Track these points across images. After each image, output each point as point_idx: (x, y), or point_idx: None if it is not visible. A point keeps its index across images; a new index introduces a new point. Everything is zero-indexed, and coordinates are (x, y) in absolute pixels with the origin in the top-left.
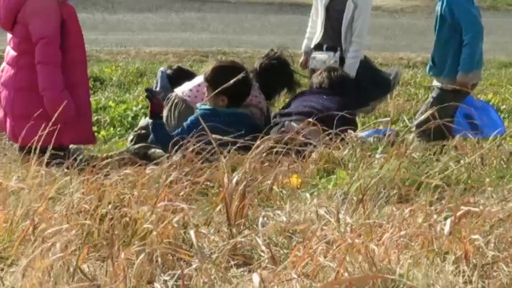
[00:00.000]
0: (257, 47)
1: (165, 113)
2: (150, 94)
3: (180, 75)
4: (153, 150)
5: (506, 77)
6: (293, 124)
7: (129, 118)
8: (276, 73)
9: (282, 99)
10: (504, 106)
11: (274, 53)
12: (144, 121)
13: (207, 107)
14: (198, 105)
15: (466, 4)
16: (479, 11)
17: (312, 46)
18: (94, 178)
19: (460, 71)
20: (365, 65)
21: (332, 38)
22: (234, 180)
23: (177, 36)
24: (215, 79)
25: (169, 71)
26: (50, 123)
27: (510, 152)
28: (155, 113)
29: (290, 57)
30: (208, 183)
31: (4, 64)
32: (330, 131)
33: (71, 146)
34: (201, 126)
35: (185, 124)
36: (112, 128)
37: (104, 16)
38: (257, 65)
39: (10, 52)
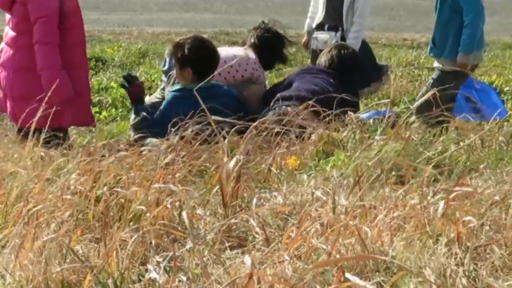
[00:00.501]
0: None
1: (166, 91)
2: (127, 80)
3: None
4: (149, 140)
5: (510, 58)
6: (289, 109)
7: None
8: (273, 45)
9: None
10: (507, 88)
11: (265, 25)
12: (148, 99)
13: (177, 87)
14: (168, 88)
15: None
16: None
17: (314, 26)
18: (90, 159)
19: (460, 52)
20: (365, 46)
21: (334, 18)
22: (232, 162)
23: (180, 16)
24: (177, 53)
25: None
26: (45, 103)
27: (511, 134)
28: (137, 99)
29: (282, 28)
30: (207, 164)
31: (3, 44)
32: (329, 112)
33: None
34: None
35: (161, 108)
36: (114, 109)
37: None
38: (253, 38)
39: (9, 33)
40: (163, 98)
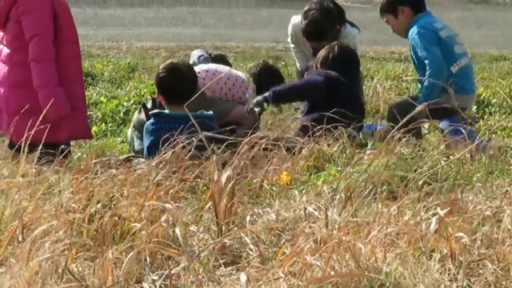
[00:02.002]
0: (249, 41)
1: None
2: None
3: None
4: (136, 160)
5: (497, 71)
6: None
7: (121, 114)
8: (271, 76)
9: None
10: (494, 100)
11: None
12: (137, 116)
13: (155, 111)
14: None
15: (425, 43)
16: (453, 38)
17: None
18: (83, 177)
19: (418, 101)
20: None
21: None
22: (223, 177)
23: (169, 31)
24: (156, 79)
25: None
26: (42, 120)
27: (499, 147)
28: None
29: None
30: (198, 180)
31: None
32: (319, 127)
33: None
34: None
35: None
36: (103, 124)
37: (95, 11)
38: (254, 70)
39: (3, 50)
40: None
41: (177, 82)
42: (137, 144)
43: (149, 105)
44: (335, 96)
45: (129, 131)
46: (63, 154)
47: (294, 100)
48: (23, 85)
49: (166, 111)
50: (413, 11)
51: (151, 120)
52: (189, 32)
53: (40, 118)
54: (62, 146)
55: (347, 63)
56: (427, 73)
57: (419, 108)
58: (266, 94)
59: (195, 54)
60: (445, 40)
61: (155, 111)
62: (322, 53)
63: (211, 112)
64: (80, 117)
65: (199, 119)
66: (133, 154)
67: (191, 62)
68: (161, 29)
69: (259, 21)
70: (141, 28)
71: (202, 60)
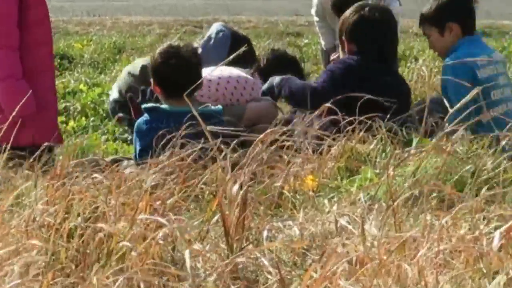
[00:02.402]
0: (263, 14)
1: None
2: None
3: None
4: (126, 162)
5: None
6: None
7: (105, 105)
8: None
9: None
10: None
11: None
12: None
13: (149, 105)
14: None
15: (454, 85)
16: (495, 78)
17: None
18: (60, 183)
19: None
20: None
21: None
22: (234, 184)
23: (163, 2)
24: (151, 67)
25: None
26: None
27: None
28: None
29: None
30: (203, 186)
31: None
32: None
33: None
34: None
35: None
36: (83, 118)
37: None
38: (262, 62)
39: None
40: None
41: (178, 70)
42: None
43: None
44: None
45: (112, 98)
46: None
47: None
48: None
49: (164, 106)
50: (463, 31)
51: (145, 117)
52: (189, 3)
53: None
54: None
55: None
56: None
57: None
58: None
59: (213, 29)
60: (483, 81)
61: (150, 105)
62: (347, 17)
63: (219, 107)
64: (48, 117)
65: (206, 116)
66: (121, 156)
67: (206, 37)
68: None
69: None
70: None
71: (220, 37)
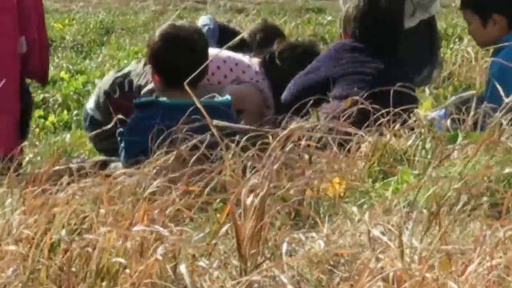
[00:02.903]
0: None
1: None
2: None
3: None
4: (113, 165)
5: None
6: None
7: (90, 96)
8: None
9: None
10: None
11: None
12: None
13: (144, 100)
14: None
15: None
16: None
17: None
18: (40, 189)
19: None
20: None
21: None
22: (248, 190)
23: None
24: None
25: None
26: None
27: None
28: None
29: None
30: (210, 192)
31: None
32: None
33: None
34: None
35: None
36: (65, 112)
37: None
38: (267, 55)
39: None
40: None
41: (181, 55)
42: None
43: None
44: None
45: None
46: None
47: None
48: None
49: (163, 99)
50: (509, 25)
51: (139, 113)
52: None
53: None
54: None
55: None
56: None
57: None
58: None
59: (199, 23)
60: None
61: (145, 99)
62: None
63: (228, 97)
64: (7, 123)
65: (212, 108)
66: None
67: None
68: None
69: None
70: None
71: (206, 32)
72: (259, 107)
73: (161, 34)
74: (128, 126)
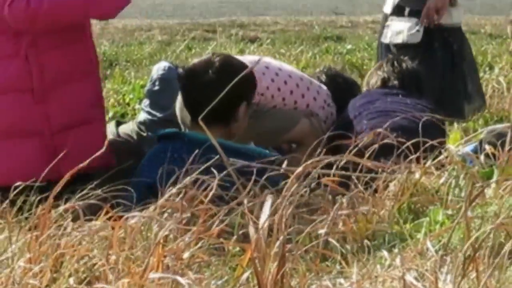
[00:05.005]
0: (294, 13)
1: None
2: None
3: None
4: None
5: None
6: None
7: None
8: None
9: None
10: None
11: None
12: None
13: (168, 131)
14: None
15: None
16: None
17: (389, 9)
18: (46, 235)
19: None
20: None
21: None
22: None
23: (166, 1)
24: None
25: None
26: None
27: None
28: None
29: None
30: (227, 235)
31: None
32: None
33: None
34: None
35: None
36: None
37: None
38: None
39: None
40: (139, 137)
41: (208, 91)
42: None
43: (141, 117)
44: None
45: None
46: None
47: None
48: None
49: (191, 132)
50: None
51: (161, 145)
52: (199, 1)
53: None
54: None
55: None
56: None
57: None
58: None
59: (154, 71)
60: None
61: (170, 130)
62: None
63: (265, 151)
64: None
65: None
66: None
67: (149, 81)
68: None
69: None
70: None
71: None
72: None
73: (191, 68)
74: (148, 157)
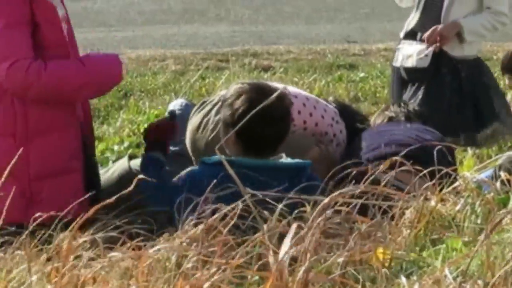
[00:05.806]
0: (306, 42)
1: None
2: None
3: None
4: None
5: None
6: None
7: (110, 163)
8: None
9: None
10: None
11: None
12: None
13: (214, 159)
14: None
15: None
16: None
17: (402, 33)
18: (68, 267)
19: None
20: (482, 68)
21: (433, 23)
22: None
23: (179, 31)
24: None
25: None
26: None
27: None
28: (159, 143)
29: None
30: (247, 265)
31: None
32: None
33: None
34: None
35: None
36: None
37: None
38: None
39: None
40: None
41: (267, 123)
42: None
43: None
44: None
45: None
46: None
47: None
48: None
49: (242, 159)
50: None
51: (205, 169)
52: (212, 31)
53: None
54: None
55: None
56: None
57: None
58: None
59: (170, 107)
60: None
61: (218, 157)
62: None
63: (308, 161)
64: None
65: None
66: None
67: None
68: (166, 28)
69: (320, 11)
70: (136, 28)
71: (181, 114)
72: (330, 167)
73: (246, 98)
74: (193, 174)
